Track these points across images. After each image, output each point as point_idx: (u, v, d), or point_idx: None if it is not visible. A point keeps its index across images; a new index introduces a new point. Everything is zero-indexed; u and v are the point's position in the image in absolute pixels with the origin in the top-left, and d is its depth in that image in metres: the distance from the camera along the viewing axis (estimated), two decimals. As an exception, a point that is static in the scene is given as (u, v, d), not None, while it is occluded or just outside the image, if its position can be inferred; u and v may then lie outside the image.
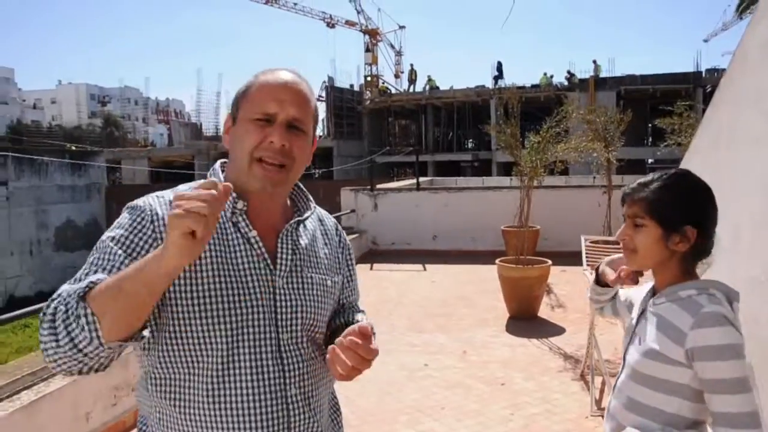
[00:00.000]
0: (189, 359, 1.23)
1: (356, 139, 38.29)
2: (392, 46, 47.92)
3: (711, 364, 1.36)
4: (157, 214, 1.25)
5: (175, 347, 1.23)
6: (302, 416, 1.30)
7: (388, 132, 41.46)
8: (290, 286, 1.32)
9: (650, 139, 33.97)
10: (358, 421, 4.10)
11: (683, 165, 4.26)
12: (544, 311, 6.70)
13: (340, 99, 38.88)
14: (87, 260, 1.21)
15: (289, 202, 1.44)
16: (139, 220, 1.24)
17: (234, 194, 1.28)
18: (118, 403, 3.82)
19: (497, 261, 6.70)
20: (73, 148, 32.84)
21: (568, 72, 34.27)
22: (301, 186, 1.47)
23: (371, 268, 9.52)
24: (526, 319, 6.43)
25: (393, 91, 42.37)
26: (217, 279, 1.23)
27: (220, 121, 51.50)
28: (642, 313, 1.56)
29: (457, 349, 5.54)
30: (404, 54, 48.27)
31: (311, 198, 1.48)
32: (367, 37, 45.60)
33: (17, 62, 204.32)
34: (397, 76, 46.75)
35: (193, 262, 1.20)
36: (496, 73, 36.19)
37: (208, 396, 1.23)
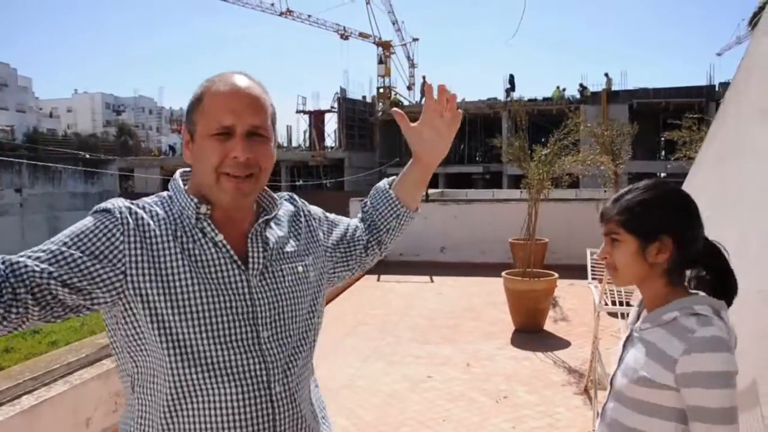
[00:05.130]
0: (173, 364, 1.23)
1: (368, 150, 38.39)
2: (408, 58, 48.18)
3: (699, 391, 1.31)
4: (127, 222, 1.23)
5: (159, 355, 1.23)
6: (287, 413, 1.29)
7: (400, 144, 41.52)
8: (264, 283, 1.31)
9: (662, 153, 33.80)
10: None
11: (689, 178, 4.22)
12: (549, 324, 6.64)
13: (352, 110, 39.05)
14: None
15: (255, 205, 1.43)
16: (106, 223, 1.22)
17: (195, 199, 1.29)
18: (118, 409, 3.82)
19: (503, 273, 6.67)
20: (87, 156, 33.12)
21: (581, 85, 34.23)
22: (267, 188, 1.44)
23: (378, 279, 9.50)
24: (531, 332, 6.38)
25: (405, 103, 42.49)
26: (192, 284, 1.23)
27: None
28: (628, 338, 1.53)
29: (462, 361, 5.51)
30: (417, 66, 48.52)
31: (276, 197, 1.46)
32: (380, 49, 45.82)
33: (35, 72, 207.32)
34: (409, 88, 46.96)
35: (168, 271, 1.22)
36: (508, 86, 36.22)
37: (193, 398, 1.23)
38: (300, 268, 1.40)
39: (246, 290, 1.28)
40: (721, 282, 1.47)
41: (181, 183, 1.35)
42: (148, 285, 1.21)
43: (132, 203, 1.28)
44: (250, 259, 1.31)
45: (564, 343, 6.06)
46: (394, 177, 1.64)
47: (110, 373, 3.53)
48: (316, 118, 42.57)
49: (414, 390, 4.83)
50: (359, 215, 1.68)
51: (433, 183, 29.73)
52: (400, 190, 1.61)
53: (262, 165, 1.30)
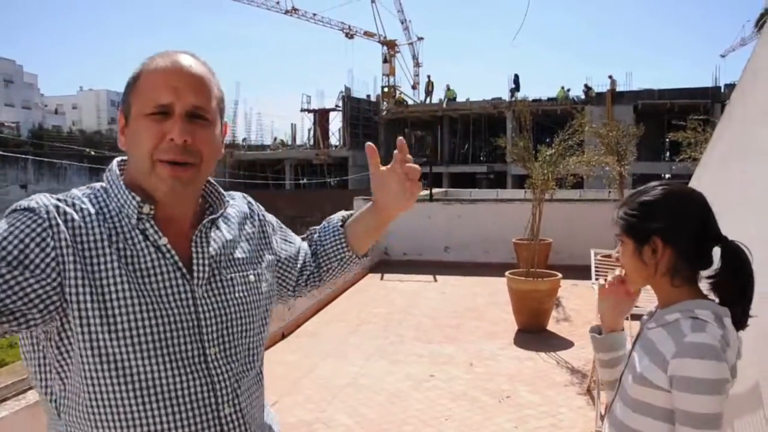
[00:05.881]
0: (107, 386, 1.09)
1: (372, 149, 38.45)
2: (413, 57, 48.20)
3: (684, 395, 1.33)
4: (57, 223, 1.06)
5: (93, 374, 1.08)
6: None
7: (404, 143, 41.45)
8: (211, 294, 1.19)
9: (667, 154, 33.73)
10: (362, 431, 4.09)
11: (694, 179, 4.22)
12: (552, 325, 6.65)
13: (356, 109, 39.08)
14: None
15: (201, 201, 1.29)
16: (33, 226, 1.04)
17: (137, 198, 1.15)
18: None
19: (507, 273, 6.67)
20: (92, 152, 33.22)
21: (585, 86, 34.19)
22: (213, 182, 1.31)
23: (382, 278, 9.51)
24: (534, 332, 6.39)
25: (410, 102, 42.51)
26: (130, 297, 1.09)
27: (238, 129, 51.94)
28: (637, 337, 1.55)
29: (465, 361, 5.52)
30: (422, 65, 48.55)
31: (224, 193, 1.34)
32: (385, 48, 45.82)
33: (41, 69, 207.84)
34: (414, 87, 46.94)
35: (103, 282, 1.07)
36: (513, 86, 36.21)
37: (130, 426, 1.10)
38: (252, 277, 1.28)
39: (190, 302, 1.15)
40: (732, 284, 1.43)
41: (118, 173, 1.20)
42: (81, 296, 1.06)
43: (59, 200, 1.11)
44: (195, 266, 1.17)
45: (567, 344, 6.06)
46: (351, 212, 1.50)
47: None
48: (321, 117, 42.59)
49: (417, 389, 4.84)
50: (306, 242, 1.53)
51: (437, 182, 29.73)
52: (351, 233, 1.45)
53: (203, 152, 1.16)
